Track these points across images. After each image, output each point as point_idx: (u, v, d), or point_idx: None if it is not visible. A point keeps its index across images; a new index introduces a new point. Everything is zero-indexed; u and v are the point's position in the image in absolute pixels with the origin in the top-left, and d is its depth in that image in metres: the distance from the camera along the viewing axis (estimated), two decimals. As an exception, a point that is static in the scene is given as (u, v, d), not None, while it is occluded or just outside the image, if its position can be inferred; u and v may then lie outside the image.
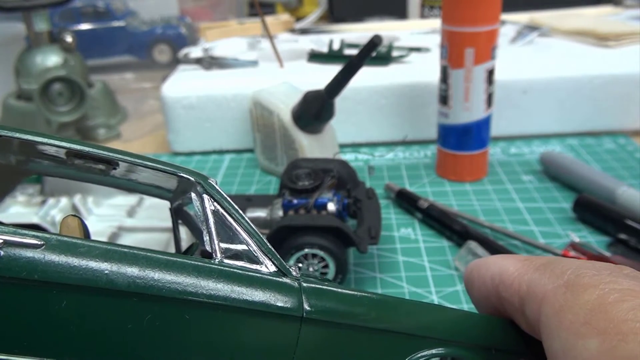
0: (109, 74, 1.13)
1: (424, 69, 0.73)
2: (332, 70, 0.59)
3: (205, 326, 0.22)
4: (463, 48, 0.57)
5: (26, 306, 0.20)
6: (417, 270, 0.49)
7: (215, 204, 0.24)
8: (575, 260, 0.22)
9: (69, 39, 0.81)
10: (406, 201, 0.58)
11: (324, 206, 0.47)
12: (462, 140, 0.61)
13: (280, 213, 0.48)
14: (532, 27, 0.87)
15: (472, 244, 0.48)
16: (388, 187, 0.61)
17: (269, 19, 0.97)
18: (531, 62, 0.74)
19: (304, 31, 1.02)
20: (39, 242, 0.20)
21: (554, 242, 0.51)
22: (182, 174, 0.25)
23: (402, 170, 0.68)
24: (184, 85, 0.73)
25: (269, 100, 0.64)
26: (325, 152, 0.62)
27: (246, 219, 0.24)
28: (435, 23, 0.99)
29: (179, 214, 0.31)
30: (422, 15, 1.17)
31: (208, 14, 1.31)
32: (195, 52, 0.87)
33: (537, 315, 0.21)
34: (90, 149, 0.24)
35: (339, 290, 0.24)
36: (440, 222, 0.54)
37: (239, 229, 0.24)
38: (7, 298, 0.20)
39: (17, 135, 0.22)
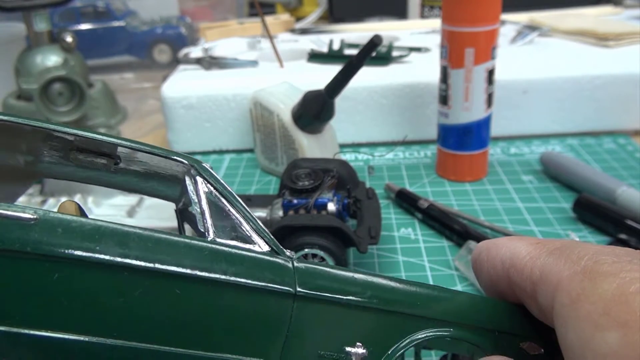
0: (109, 74, 1.13)
1: (424, 69, 0.73)
2: (332, 70, 0.59)
3: (197, 302, 0.22)
4: (463, 48, 0.57)
5: (19, 278, 0.20)
6: (417, 270, 0.49)
7: (208, 185, 0.24)
8: (592, 244, 0.20)
9: (69, 39, 0.81)
10: (406, 201, 0.58)
11: (324, 206, 0.47)
12: (462, 140, 0.61)
13: (280, 213, 0.48)
14: (532, 27, 0.87)
15: (472, 244, 0.48)
16: (388, 187, 0.61)
17: (269, 19, 0.97)
18: (531, 62, 0.74)
19: (304, 31, 1.02)
20: (33, 216, 0.20)
21: (554, 242, 0.51)
22: (175, 157, 0.25)
23: (402, 170, 0.68)
24: (184, 85, 0.73)
25: (269, 100, 0.64)
26: (325, 152, 0.62)
27: (240, 200, 0.24)
28: (435, 23, 0.99)
29: (184, 215, 0.31)
30: (422, 15, 1.17)
31: (208, 14, 1.31)
32: (195, 52, 0.87)
33: (551, 302, 0.20)
34: (90, 134, 0.25)
35: (333, 270, 0.24)
36: (440, 222, 0.54)
37: (232, 210, 0.24)
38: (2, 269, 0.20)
39: (23, 121, 0.23)
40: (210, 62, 0.79)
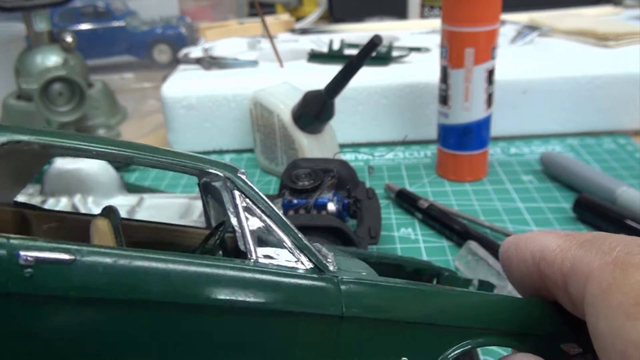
0: (109, 74, 1.13)
1: (424, 69, 0.73)
2: (332, 70, 0.59)
3: (243, 330, 0.22)
4: (463, 48, 0.57)
5: (64, 323, 0.20)
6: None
7: (247, 200, 0.23)
8: (623, 236, 0.20)
9: (69, 39, 0.81)
10: (406, 201, 0.58)
11: (324, 206, 0.47)
12: (462, 140, 0.61)
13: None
14: (532, 27, 0.87)
15: (472, 244, 0.48)
16: (388, 187, 0.61)
17: (269, 19, 0.97)
18: (531, 62, 0.74)
19: (304, 31, 1.02)
20: (70, 257, 0.20)
21: (554, 242, 0.51)
22: (210, 170, 0.24)
23: (402, 170, 0.68)
24: (184, 85, 0.73)
25: (269, 100, 0.64)
26: (325, 152, 0.62)
27: (280, 213, 0.24)
28: (435, 23, 0.99)
29: (207, 189, 0.31)
30: (422, 15, 1.17)
31: (208, 14, 1.31)
32: (195, 52, 0.87)
33: (582, 293, 0.20)
34: (111, 148, 0.23)
35: (378, 283, 0.23)
36: (440, 222, 0.54)
37: (272, 225, 0.23)
38: (44, 315, 0.20)
39: (38, 139, 0.22)
40: (210, 62, 0.79)
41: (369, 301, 0.23)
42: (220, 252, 0.31)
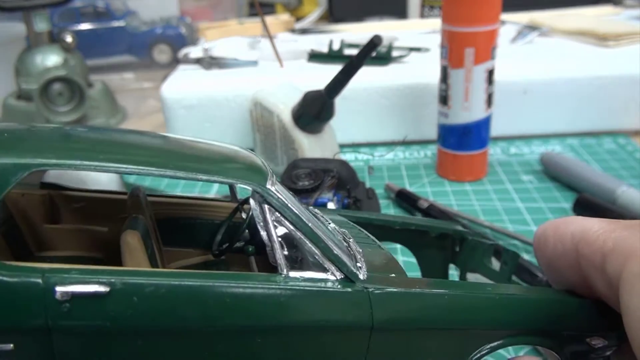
0: (109, 74, 1.13)
1: (424, 69, 0.73)
2: (332, 70, 0.59)
3: (275, 347, 0.22)
4: (463, 48, 0.57)
5: (102, 353, 0.20)
6: (417, 270, 0.49)
7: (276, 213, 0.23)
8: None
9: (69, 39, 0.81)
10: (406, 201, 0.58)
11: (324, 206, 0.48)
12: (462, 140, 0.61)
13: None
14: (532, 27, 0.87)
15: (472, 244, 0.48)
16: (388, 187, 0.61)
17: (269, 19, 0.97)
18: (531, 62, 0.74)
19: (304, 31, 1.02)
20: (105, 290, 0.20)
21: (554, 242, 0.51)
22: (239, 184, 0.23)
23: (402, 170, 0.68)
24: (184, 85, 0.73)
25: (269, 101, 0.64)
26: (325, 152, 0.62)
27: (309, 224, 0.24)
28: (435, 23, 0.99)
29: None
30: (422, 15, 1.17)
31: (208, 14, 1.31)
32: (195, 52, 0.87)
33: (619, 271, 0.21)
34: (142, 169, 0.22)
35: (408, 292, 0.23)
36: (440, 222, 0.54)
37: (302, 237, 0.23)
38: (83, 346, 0.20)
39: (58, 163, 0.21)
40: (210, 62, 0.79)
41: (398, 312, 0.23)
42: (247, 232, 0.31)
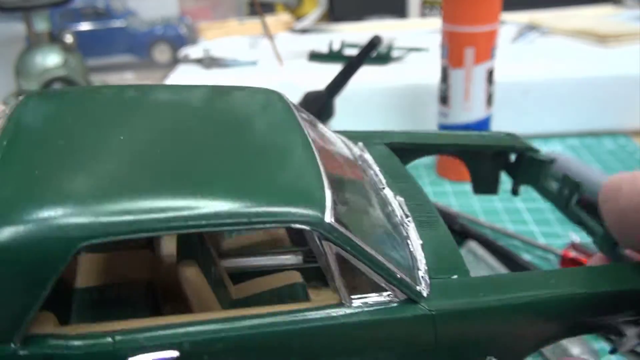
0: (109, 74, 1.13)
1: (423, 69, 0.73)
2: (332, 70, 0.59)
3: None
4: (463, 48, 0.57)
5: None
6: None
7: (335, 247, 0.22)
8: None
9: (69, 39, 0.81)
10: (406, 201, 0.58)
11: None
12: (462, 140, 0.61)
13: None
14: (532, 27, 0.87)
15: (472, 244, 0.48)
16: (388, 187, 0.61)
17: (269, 19, 0.97)
18: (531, 62, 0.74)
19: (304, 31, 1.02)
20: (175, 355, 0.20)
21: (554, 242, 0.51)
22: (294, 225, 0.22)
23: (402, 170, 0.68)
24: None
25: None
26: (325, 152, 0.62)
27: (372, 253, 0.23)
28: (435, 23, 0.99)
29: None
30: (422, 15, 1.17)
31: (208, 14, 1.31)
32: (195, 52, 0.87)
33: None
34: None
35: (474, 307, 0.23)
36: (440, 222, 0.54)
37: (364, 266, 0.23)
38: None
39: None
40: (210, 62, 0.79)
41: (462, 327, 0.23)
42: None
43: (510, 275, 0.29)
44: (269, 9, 1.34)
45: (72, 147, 0.23)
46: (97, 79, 0.88)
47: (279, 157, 0.24)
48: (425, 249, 0.26)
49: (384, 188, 0.29)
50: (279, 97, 0.29)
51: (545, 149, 0.70)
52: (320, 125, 0.31)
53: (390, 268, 0.23)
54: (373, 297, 0.23)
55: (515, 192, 0.39)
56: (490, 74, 0.58)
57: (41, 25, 0.80)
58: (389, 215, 0.27)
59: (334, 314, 0.22)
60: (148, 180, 0.22)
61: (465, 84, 0.58)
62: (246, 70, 0.77)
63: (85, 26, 1.14)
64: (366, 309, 0.22)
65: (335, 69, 0.59)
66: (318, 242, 0.22)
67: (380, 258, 0.23)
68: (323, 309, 0.22)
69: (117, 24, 1.16)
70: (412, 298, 0.23)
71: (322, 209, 0.22)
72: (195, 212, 0.20)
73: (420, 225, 0.27)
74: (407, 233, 0.26)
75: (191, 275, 0.24)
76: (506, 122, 0.73)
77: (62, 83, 0.78)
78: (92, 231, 0.19)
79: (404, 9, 1.21)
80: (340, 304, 0.22)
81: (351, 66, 0.56)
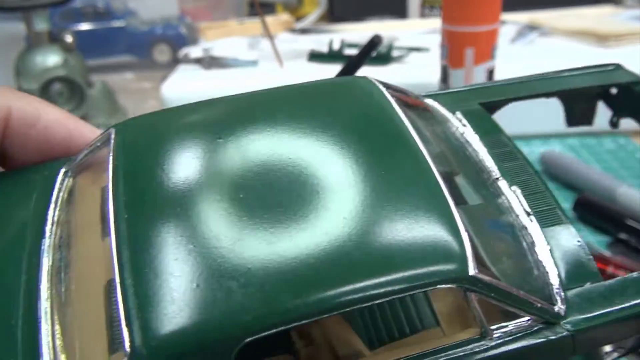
0: (109, 74, 1.13)
1: (423, 69, 0.73)
2: (332, 70, 0.59)
3: None
4: (463, 48, 0.57)
5: None
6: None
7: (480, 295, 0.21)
8: None
9: (69, 39, 0.81)
10: (406, 201, 0.58)
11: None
12: (462, 140, 0.61)
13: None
14: (532, 27, 0.87)
15: None
16: (388, 187, 0.61)
17: (269, 19, 0.97)
18: (531, 62, 0.73)
19: (304, 31, 1.02)
20: None
21: (554, 242, 0.51)
22: (440, 286, 0.20)
23: (402, 170, 0.68)
24: (184, 85, 0.73)
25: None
26: (325, 152, 0.62)
27: (511, 290, 0.22)
28: (435, 23, 0.99)
29: None
30: (422, 15, 1.17)
31: (208, 14, 1.31)
32: (195, 52, 0.87)
33: None
34: None
35: (610, 321, 0.23)
36: (440, 222, 0.54)
37: (505, 303, 0.22)
38: None
39: None
40: (210, 62, 0.79)
41: (598, 339, 0.23)
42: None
43: None
44: (269, 9, 1.34)
45: (189, 212, 0.21)
46: (97, 79, 0.88)
47: (400, 191, 0.22)
48: (552, 251, 0.24)
49: (498, 179, 0.27)
50: (374, 88, 0.26)
51: (545, 148, 0.70)
52: (417, 102, 0.27)
53: (530, 300, 0.22)
54: (511, 325, 0.22)
55: (614, 124, 0.37)
56: (490, 74, 0.58)
57: (41, 25, 0.80)
58: (512, 222, 0.25)
59: (477, 349, 0.21)
60: (296, 242, 0.19)
61: (466, 84, 0.58)
62: (246, 70, 0.77)
63: (85, 26, 1.14)
64: (507, 338, 0.22)
65: (335, 69, 0.59)
66: (463, 294, 0.21)
67: (520, 294, 0.22)
68: (465, 345, 0.21)
69: (117, 24, 1.16)
70: (551, 322, 0.22)
71: (464, 260, 0.20)
72: (375, 280, 0.18)
73: (540, 222, 0.25)
74: (532, 238, 0.24)
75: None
76: (506, 121, 0.73)
77: (61, 83, 0.78)
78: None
79: (404, 9, 1.21)
80: (481, 337, 0.21)
81: (351, 66, 0.56)
